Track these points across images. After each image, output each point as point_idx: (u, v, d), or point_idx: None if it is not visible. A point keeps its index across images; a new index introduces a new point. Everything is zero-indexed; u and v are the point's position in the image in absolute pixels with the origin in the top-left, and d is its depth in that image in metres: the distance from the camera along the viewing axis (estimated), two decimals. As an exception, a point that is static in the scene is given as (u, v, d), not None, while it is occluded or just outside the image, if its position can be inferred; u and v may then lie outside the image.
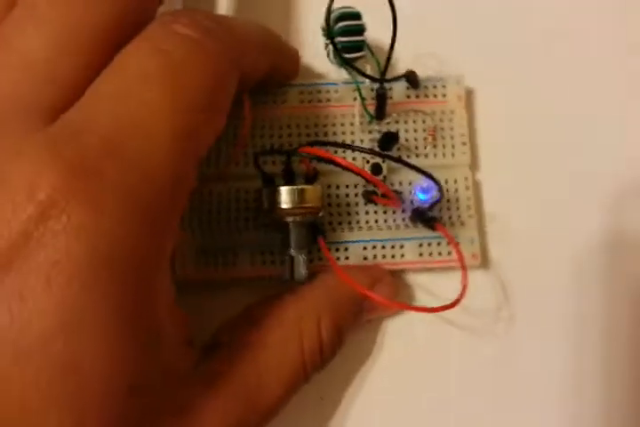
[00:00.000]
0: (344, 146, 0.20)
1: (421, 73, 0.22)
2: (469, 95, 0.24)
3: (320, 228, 0.21)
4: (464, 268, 0.19)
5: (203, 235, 0.21)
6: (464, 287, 0.18)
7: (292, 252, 0.19)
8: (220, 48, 0.15)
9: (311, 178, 0.20)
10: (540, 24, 0.24)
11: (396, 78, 0.21)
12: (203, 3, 0.25)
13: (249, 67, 0.17)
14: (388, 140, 0.21)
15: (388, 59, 0.21)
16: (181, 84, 0.14)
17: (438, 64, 0.24)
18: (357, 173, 0.17)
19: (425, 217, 0.21)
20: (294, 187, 0.18)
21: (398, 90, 0.22)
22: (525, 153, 0.23)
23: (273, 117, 0.22)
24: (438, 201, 0.20)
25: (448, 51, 0.24)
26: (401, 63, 0.24)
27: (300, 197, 0.19)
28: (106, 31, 0.15)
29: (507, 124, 0.24)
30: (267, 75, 0.19)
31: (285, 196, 0.18)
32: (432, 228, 0.20)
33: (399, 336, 0.22)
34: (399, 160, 0.18)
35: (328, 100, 0.23)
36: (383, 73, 0.21)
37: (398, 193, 0.21)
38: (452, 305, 0.18)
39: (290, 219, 0.19)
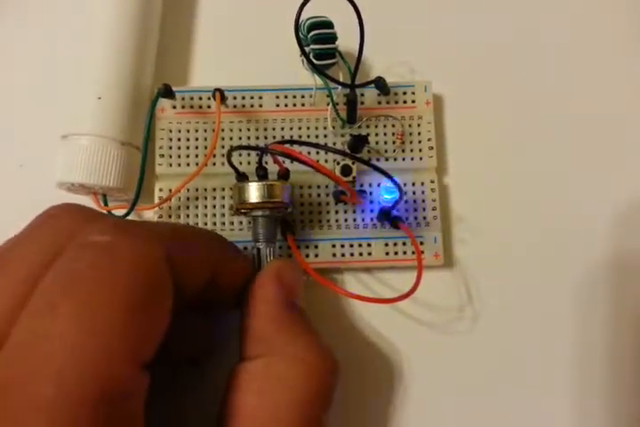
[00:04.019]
0: (315, 146, 0.21)
1: (391, 80, 0.23)
2: (438, 101, 0.25)
3: (290, 225, 0.22)
4: (420, 263, 0.20)
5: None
6: (418, 279, 0.19)
7: (260, 244, 0.20)
8: (138, 245, 0.15)
9: (282, 176, 0.21)
10: (507, 32, 0.26)
11: (366, 84, 0.22)
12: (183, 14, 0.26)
13: (183, 264, 0.16)
14: (358, 142, 0.22)
15: (357, 66, 0.22)
16: (93, 303, 0.14)
17: (408, 71, 0.25)
18: (320, 171, 0.18)
19: (390, 216, 0.21)
20: (263, 182, 0.19)
21: (369, 96, 0.23)
22: (493, 157, 0.24)
23: (250, 120, 0.23)
24: (398, 201, 0.20)
25: (417, 58, 0.25)
26: (373, 70, 0.25)
27: (268, 191, 0.19)
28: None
29: (474, 129, 0.25)
30: (209, 283, 0.18)
31: (254, 190, 0.19)
32: (396, 226, 0.21)
33: (361, 329, 0.23)
34: (364, 161, 0.19)
35: (302, 104, 0.24)
36: (353, 79, 0.22)
37: (365, 193, 0.22)
38: (404, 297, 0.19)
39: (258, 213, 0.20)
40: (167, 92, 0.22)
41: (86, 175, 0.20)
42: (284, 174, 0.21)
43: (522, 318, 0.23)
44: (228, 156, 0.19)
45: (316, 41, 0.22)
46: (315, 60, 0.22)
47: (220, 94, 0.22)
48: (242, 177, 0.20)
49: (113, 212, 0.22)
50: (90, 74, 0.22)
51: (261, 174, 0.20)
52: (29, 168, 0.24)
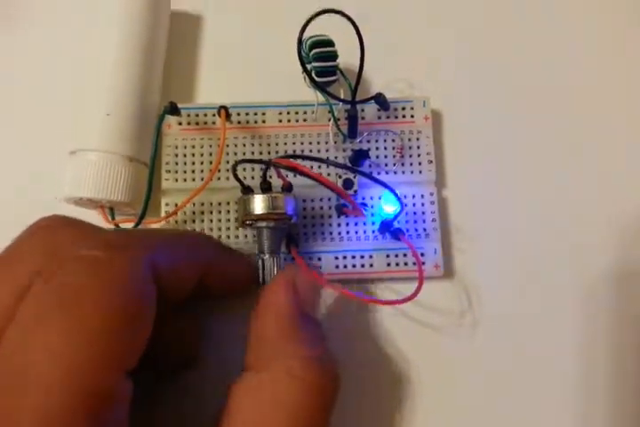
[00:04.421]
0: (318, 160, 0.22)
1: (391, 95, 0.24)
2: (437, 116, 0.25)
3: (294, 238, 0.22)
4: (421, 272, 0.20)
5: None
6: (419, 285, 0.20)
7: (264, 255, 0.20)
8: (124, 260, 0.15)
9: (286, 189, 0.21)
10: (505, 48, 0.26)
11: (366, 100, 0.23)
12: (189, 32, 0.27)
13: (169, 272, 0.17)
14: (359, 156, 0.23)
15: (357, 83, 0.22)
16: (79, 315, 0.14)
17: (407, 87, 0.26)
18: (324, 184, 0.19)
19: (391, 229, 0.22)
20: (267, 194, 0.20)
21: (369, 111, 0.24)
22: (490, 170, 0.25)
23: (254, 136, 0.24)
24: (400, 213, 0.21)
25: (416, 74, 0.26)
26: (373, 86, 0.26)
27: (272, 203, 0.20)
28: None
29: (472, 143, 0.25)
30: (197, 285, 0.18)
31: (259, 202, 0.20)
32: (397, 238, 0.22)
33: (365, 336, 0.23)
34: (365, 175, 0.20)
35: (305, 119, 0.24)
36: (354, 96, 0.22)
37: (366, 206, 0.23)
38: (406, 300, 0.19)
39: (263, 224, 0.20)
40: (173, 110, 0.23)
41: (94, 190, 0.21)
42: (287, 188, 0.21)
43: (521, 327, 0.23)
44: (234, 169, 0.20)
45: (318, 59, 0.22)
46: (316, 78, 0.23)
47: (224, 111, 0.22)
48: (247, 190, 0.21)
49: (120, 225, 0.22)
50: (99, 91, 0.22)
51: (265, 187, 0.20)
52: (38, 183, 0.24)
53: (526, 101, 0.26)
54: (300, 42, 0.21)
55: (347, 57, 0.23)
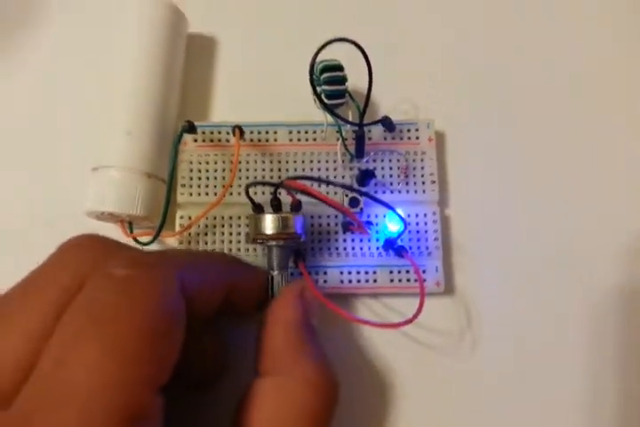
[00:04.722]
0: (326, 182, 0.23)
1: (397, 117, 0.25)
2: (441, 137, 0.26)
3: (302, 253, 0.23)
4: (422, 291, 0.21)
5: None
6: (420, 306, 0.21)
7: (274, 272, 0.21)
8: (154, 277, 0.16)
9: (295, 207, 0.22)
10: (506, 73, 0.28)
11: (373, 123, 0.24)
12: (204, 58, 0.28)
13: (197, 291, 0.18)
14: (365, 176, 0.24)
15: (365, 106, 0.23)
16: (115, 332, 0.15)
17: (412, 108, 0.27)
18: (331, 205, 0.20)
19: (395, 246, 0.23)
20: (277, 214, 0.21)
21: (376, 132, 0.25)
22: (491, 190, 0.26)
23: (265, 153, 0.25)
24: (403, 232, 0.22)
25: (422, 97, 0.27)
26: (380, 108, 0.27)
27: (282, 223, 0.21)
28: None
29: (474, 163, 0.26)
30: (223, 302, 0.19)
31: (270, 222, 0.21)
32: (400, 255, 0.23)
33: (365, 352, 0.24)
34: (369, 196, 0.21)
35: (314, 139, 0.25)
36: (361, 118, 0.24)
37: (371, 223, 0.24)
38: (407, 322, 0.20)
39: (273, 242, 0.21)
40: (190, 128, 0.24)
41: (115, 205, 0.22)
42: (296, 206, 0.22)
43: (520, 344, 0.24)
44: (246, 190, 0.21)
45: (328, 83, 0.24)
46: (326, 100, 0.24)
47: (239, 130, 0.24)
48: (258, 208, 0.22)
49: (138, 238, 0.24)
50: (120, 111, 0.24)
51: (276, 205, 0.21)
52: (62, 197, 0.26)
53: (527, 123, 0.27)
54: (312, 67, 0.22)
55: (355, 79, 0.24)
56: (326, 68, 0.24)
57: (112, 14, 0.26)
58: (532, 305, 0.25)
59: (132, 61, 0.24)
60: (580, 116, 0.27)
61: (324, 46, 0.22)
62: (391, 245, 0.23)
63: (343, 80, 0.24)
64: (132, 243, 0.23)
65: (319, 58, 0.24)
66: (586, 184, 0.26)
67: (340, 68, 0.24)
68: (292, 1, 0.29)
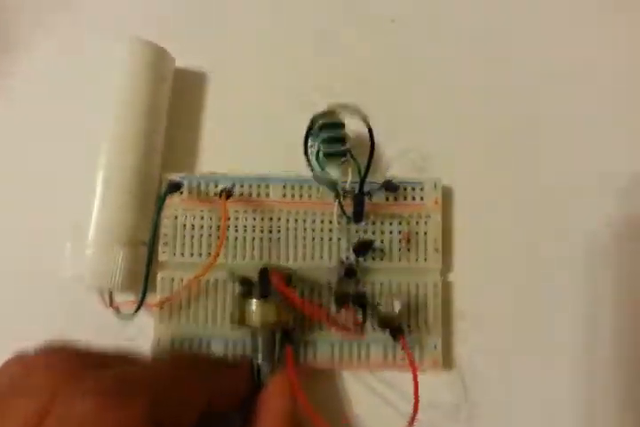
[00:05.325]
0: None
1: (401, 170, 0.23)
2: (448, 195, 0.24)
3: (290, 335, 0.21)
4: (416, 383, 0.20)
5: (179, 322, 0.22)
6: (415, 406, 0.19)
7: (260, 360, 0.20)
8: (123, 418, 0.15)
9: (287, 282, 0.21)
10: (520, 129, 0.25)
11: (375, 189, 0.22)
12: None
13: (172, 414, 0.17)
14: (363, 247, 0.22)
15: (367, 171, 0.21)
16: None
17: (420, 159, 0.25)
18: (313, 316, 0.18)
19: (393, 325, 0.21)
20: (264, 303, 0.19)
21: (378, 192, 0.23)
22: (498, 256, 0.24)
23: (256, 210, 0.23)
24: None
25: (429, 151, 0.25)
26: (383, 160, 0.25)
27: (269, 312, 0.19)
28: None
29: (482, 226, 0.24)
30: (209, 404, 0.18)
31: (256, 310, 0.20)
32: (395, 338, 0.21)
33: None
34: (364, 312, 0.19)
35: (309, 196, 0.23)
36: (361, 186, 0.21)
37: (367, 294, 0.22)
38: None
39: (260, 330, 0.20)
40: (174, 188, 0.22)
41: (91, 279, 0.21)
42: (288, 279, 0.21)
43: (521, 419, 0.23)
44: (231, 277, 0.19)
45: (327, 141, 0.21)
46: (324, 159, 0.22)
47: (225, 195, 0.21)
48: (245, 293, 0.20)
49: (120, 308, 0.22)
50: (97, 171, 0.22)
51: (264, 295, 0.20)
52: (38, 260, 0.24)
53: (544, 184, 0.25)
54: (308, 131, 0.20)
55: (354, 130, 0.22)
56: (326, 126, 0.21)
57: (87, 64, 0.24)
58: (536, 379, 0.23)
59: (111, 114, 0.22)
60: (592, 173, 0.25)
61: (319, 116, 0.19)
62: (389, 324, 0.21)
63: (343, 139, 0.21)
64: (110, 316, 0.22)
65: (318, 109, 0.22)
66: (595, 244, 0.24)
67: (340, 125, 0.22)
68: (290, 45, 0.26)
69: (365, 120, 0.20)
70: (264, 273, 0.19)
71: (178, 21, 0.26)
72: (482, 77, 0.26)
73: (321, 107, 0.22)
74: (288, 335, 0.21)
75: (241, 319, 0.20)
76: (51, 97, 0.25)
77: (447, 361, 0.23)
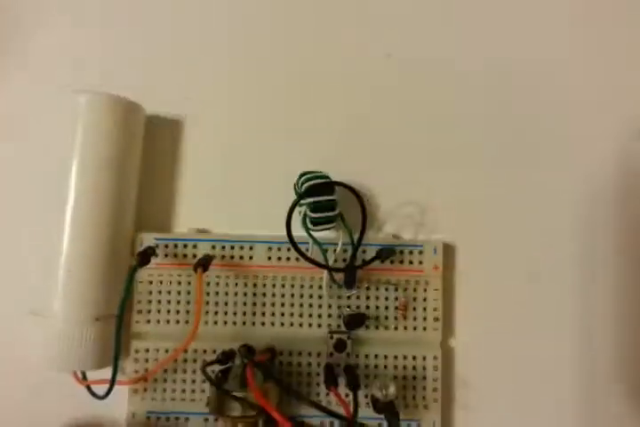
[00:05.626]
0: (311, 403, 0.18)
1: (399, 228, 0.22)
2: (450, 252, 0.22)
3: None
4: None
5: (154, 396, 0.21)
6: None
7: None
8: None
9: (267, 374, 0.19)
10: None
11: (368, 262, 0.20)
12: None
13: None
14: (354, 321, 0.20)
15: (360, 241, 0.19)
16: None
17: (419, 213, 0.22)
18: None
19: (388, 410, 0.19)
20: (243, 395, 0.18)
21: (371, 253, 0.21)
22: (503, 319, 0.22)
23: (238, 274, 0.21)
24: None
25: (428, 204, 0.22)
26: (379, 218, 0.22)
27: (249, 405, 0.18)
28: None
29: (485, 288, 0.22)
30: None
31: (234, 403, 0.18)
32: (391, 424, 0.19)
33: None
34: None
35: (297, 258, 0.21)
36: (353, 256, 0.19)
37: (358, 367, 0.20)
38: None
39: (238, 423, 0.18)
40: (146, 260, 0.20)
41: (58, 363, 0.19)
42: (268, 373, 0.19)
43: None
44: (203, 369, 0.17)
45: (314, 209, 0.19)
46: (311, 226, 0.20)
47: (201, 270, 0.19)
48: (220, 391, 0.18)
49: (92, 386, 0.20)
50: (60, 238, 0.19)
51: (242, 383, 0.18)
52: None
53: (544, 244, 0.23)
54: (295, 204, 0.18)
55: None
56: (313, 191, 0.19)
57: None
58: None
59: (75, 175, 0.20)
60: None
61: (310, 188, 0.17)
62: (383, 410, 0.19)
63: (333, 206, 0.19)
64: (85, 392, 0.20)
65: (303, 168, 0.20)
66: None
67: (329, 188, 0.19)
68: (273, 88, 0.23)
69: (354, 192, 0.17)
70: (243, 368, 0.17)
71: (148, 67, 0.23)
72: (481, 119, 0.23)
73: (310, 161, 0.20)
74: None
75: (217, 414, 0.18)
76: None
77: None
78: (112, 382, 0.19)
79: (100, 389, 0.20)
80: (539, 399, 0.22)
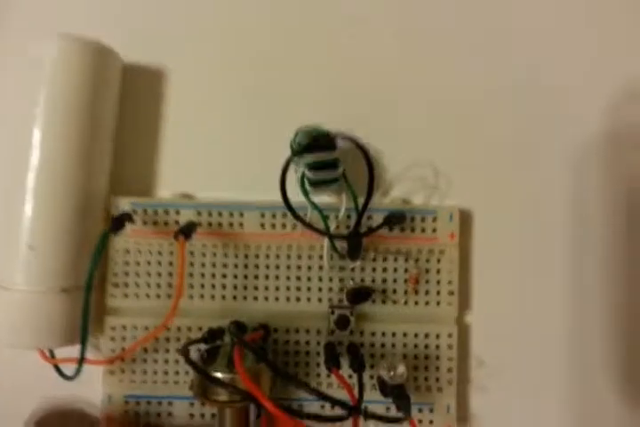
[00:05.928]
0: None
1: (409, 191, 0.19)
2: (465, 219, 0.20)
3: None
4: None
5: (133, 377, 0.19)
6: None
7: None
8: None
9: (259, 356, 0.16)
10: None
11: (374, 229, 0.17)
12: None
13: None
14: (358, 296, 0.18)
15: (362, 213, 0.17)
16: None
17: (432, 174, 0.20)
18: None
19: (397, 392, 0.17)
20: (231, 375, 0.15)
21: (378, 219, 0.18)
22: (525, 293, 0.20)
23: (227, 244, 0.19)
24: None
25: (441, 167, 0.20)
26: (387, 180, 0.20)
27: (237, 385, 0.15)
28: None
29: (505, 258, 0.20)
30: None
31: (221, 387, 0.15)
32: (400, 409, 0.17)
33: None
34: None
35: (294, 226, 0.19)
36: (358, 224, 0.17)
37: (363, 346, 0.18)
38: None
39: (225, 407, 0.16)
40: (119, 224, 0.17)
41: (23, 339, 0.17)
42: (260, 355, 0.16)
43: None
44: (185, 351, 0.15)
45: (314, 167, 0.17)
46: (310, 188, 0.17)
47: (183, 237, 0.17)
48: (202, 372, 0.16)
49: (60, 365, 0.18)
50: (25, 196, 0.17)
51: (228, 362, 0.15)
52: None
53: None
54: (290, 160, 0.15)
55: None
56: (312, 146, 0.16)
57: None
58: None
59: (38, 128, 0.17)
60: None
61: (310, 143, 0.15)
62: (392, 393, 0.17)
63: (335, 163, 0.17)
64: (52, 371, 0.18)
65: (300, 122, 0.17)
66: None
67: (330, 143, 0.17)
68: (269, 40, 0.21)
69: (360, 146, 0.15)
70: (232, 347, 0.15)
71: (131, 16, 0.20)
72: (497, 77, 0.21)
73: (306, 116, 0.17)
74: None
75: (203, 399, 0.16)
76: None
77: (462, 414, 0.19)
78: (80, 360, 0.17)
79: (72, 369, 0.17)
80: (563, 381, 0.20)
